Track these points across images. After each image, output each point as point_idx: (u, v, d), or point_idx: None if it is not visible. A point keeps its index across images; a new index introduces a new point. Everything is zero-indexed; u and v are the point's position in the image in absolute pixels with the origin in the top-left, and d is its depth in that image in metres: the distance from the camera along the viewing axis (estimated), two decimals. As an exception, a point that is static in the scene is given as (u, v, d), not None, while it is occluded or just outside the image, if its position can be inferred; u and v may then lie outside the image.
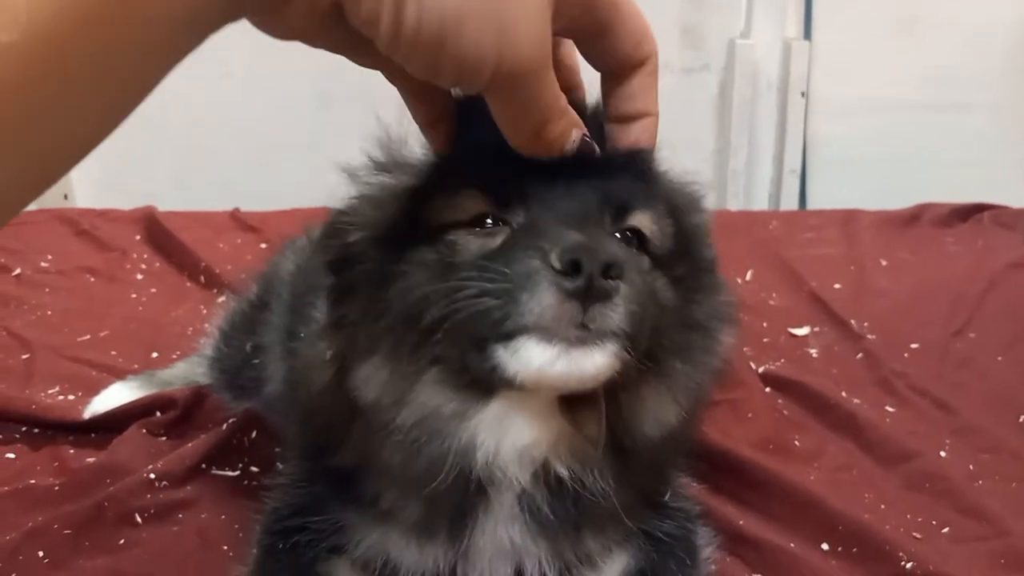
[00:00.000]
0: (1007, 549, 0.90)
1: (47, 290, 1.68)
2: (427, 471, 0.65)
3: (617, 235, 0.64)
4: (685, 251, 0.70)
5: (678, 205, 0.71)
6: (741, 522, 0.93)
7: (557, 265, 0.54)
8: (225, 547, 0.94)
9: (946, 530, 0.94)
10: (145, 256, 1.86)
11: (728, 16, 2.37)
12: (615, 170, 0.64)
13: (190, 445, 1.09)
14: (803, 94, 2.37)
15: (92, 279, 1.75)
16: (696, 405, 0.72)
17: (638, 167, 0.66)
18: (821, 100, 2.40)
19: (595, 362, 0.56)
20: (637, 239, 0.66)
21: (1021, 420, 1.16)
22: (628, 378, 0.60)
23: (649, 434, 0.66)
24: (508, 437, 0.63)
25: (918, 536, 0.92)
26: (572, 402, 0.63)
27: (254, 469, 1.08)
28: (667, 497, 0.83)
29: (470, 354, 0.59)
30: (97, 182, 2.57)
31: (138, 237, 1.94)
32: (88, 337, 1.48)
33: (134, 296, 1.67)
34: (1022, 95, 2.39)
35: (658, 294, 0.65)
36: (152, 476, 1.02)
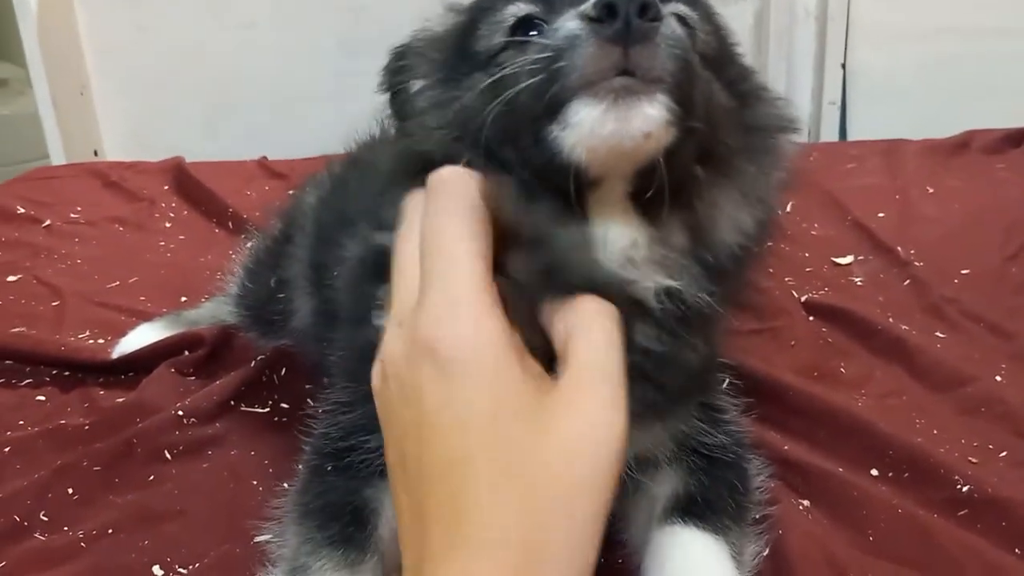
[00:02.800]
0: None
1: (76, 240, 1.68)
2: None
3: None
4: (731, 55, 0.70)
5: (711, 8, 0.70)
6: (786, 447, 0.89)
7: (593, 13, 0.53)
8: (255, 482, 0.93)
9: (1004, 454, 0.89)
10: (173, 205, 1.86)
11: (764, -58, 2.27)
12: None
13: (219, 382, 1.07)
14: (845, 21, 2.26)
15: (121, 228, 1.75)
16: (768, 222, 0.68)
17: None
18: (861, 28, 2.28)
19: (646, 114, 0.54)
20: (687, 32, 0.62)
21: (1084, 341, 1.10)
22: (690, 177, 0.60)
23: (729, 241, 0.63)
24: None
25: (974, 460, 0.88)
26: (648, 208, 0.60)
27: (284, 406, 1.06)
28: (719, 408, 0.80)
29: (530, 151, 0.57)
30: (127, 135, 2.57)
31: (166, 187, 1.94)
32: (117, 284, 1.47)
33: (162, 244, 1.67)
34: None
35: (714, 92, 0.62)
36: (181, 413, 1.01)
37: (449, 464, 0.51)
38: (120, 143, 2.58)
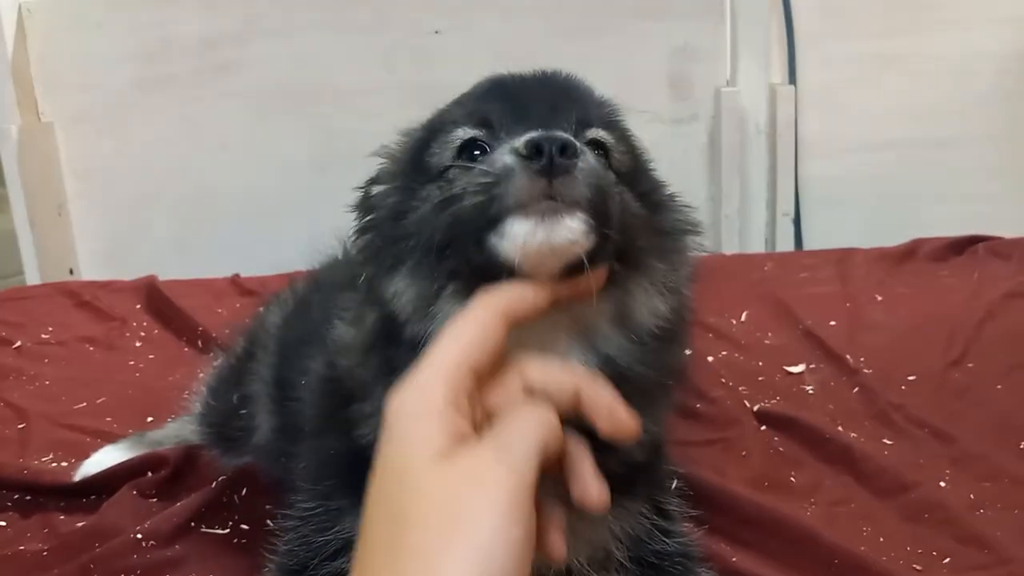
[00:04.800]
0: (1009, 576, 0.87)
1: (46, 361, 1.70)
2: None
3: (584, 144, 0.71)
4: (643, 170, 0.80)
5: (627, 131, 0.80)
6: (735, 559, 0.91)
7: (524, 152, 0.64)
8: (213, 606, 0.93)
9: (947, 560, 0.92)
10: (144, 324, 1.88)
11: (714, 65, 2.40)
12: (575, 99, 0.76)
13: (179, 504, 1.08)
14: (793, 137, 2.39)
15: (91, 348, 1.77)
16: (682, 311, 0.77)
17: (595, 100, 0.78)
18: (810, 142, 2.42)
19: (568, 227, 0.64)
20: (603, 154, 0.74)
21: (1022, 447, 1.14)
22: (611, 273, 0.69)
23: (647, 323, 0.73)
24: (518, 342, 0.67)
25: (918, 568, 0.90)
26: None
27: (244, 527, 1.07)
28: (668, 515, 0.83)
29: (474, 254, 0.67)
30: (102, 253, 2.61)
31: (138, 306, 1.97)
32: (84, 405, 1.49)
33: (132, 363, 1.69)
34: (1008, 126, 2.39)
35: (627, 203, 0.73)
36: (139, 536, 1.01)
37: (365, 518, 0.58)
38: (95, 261, 2.62)
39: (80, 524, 1.08)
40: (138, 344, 1.78)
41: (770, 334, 1.59)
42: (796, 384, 1.39)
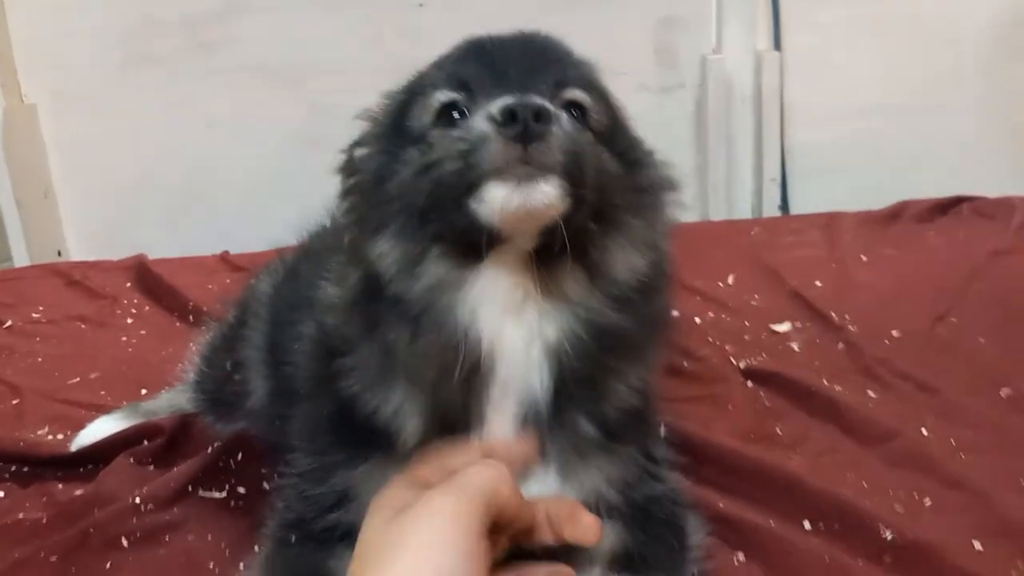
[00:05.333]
0: (988, 516, 0.90)
1: (37, 339, 1.71)
2: (427, 349, 0.74)
3: (562, 107, 0.73)
4: (622, 129, 0.81)
5: (606, 90, 0.81)
6: (721, 504, 0.93)
7: (499, 118, 0.66)
8: (212, 565, 0.94)
9: (928, 503, 0.94)
10: (135, 301, 1.89)
11: (699, 34, 2.41)
12: (552, 60, 0.78)
13: (176, 469, 1.10)
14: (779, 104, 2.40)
15: (83, 326, 1.78)
16: (661, 264, 0.79)
17: (572, 60, 0.80)
18: (796, 109, 2.43)
19: (543, 191, 0.67)
20: (580, 114, 0.76)
21: (1003, 394, 1.16)
22: (587, 230, 0.72)
23: (625, 278, 0.76)
24: (495, 300, 0.73)
25: (900, 510, 0.92)
26: (545, 262, 0.73)
27: (241, 490, 1.09)
28: (657, 460, 0.86)
29: (455, 216, 0.70)
30: (90, 235, 2.62)
31: (128, 284, 1.98)
32: (78, 380, 1.50)
33: (124, 339, 1.70)
34: (994, 92, 2.41)
35: (603, 163, 0.75)
36: (138, 501, 1.03)
37: None
38: (83, 243, 2.62)
39: (78, 492, 1.09)
40: (129, 320, 1.79)
41: (756, 296, 1.61)
42: (782, 342, 1.41)
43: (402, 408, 0.78)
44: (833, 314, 1.46)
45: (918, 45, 2.41)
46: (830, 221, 2.02)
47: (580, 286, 0.75)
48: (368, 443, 0.80)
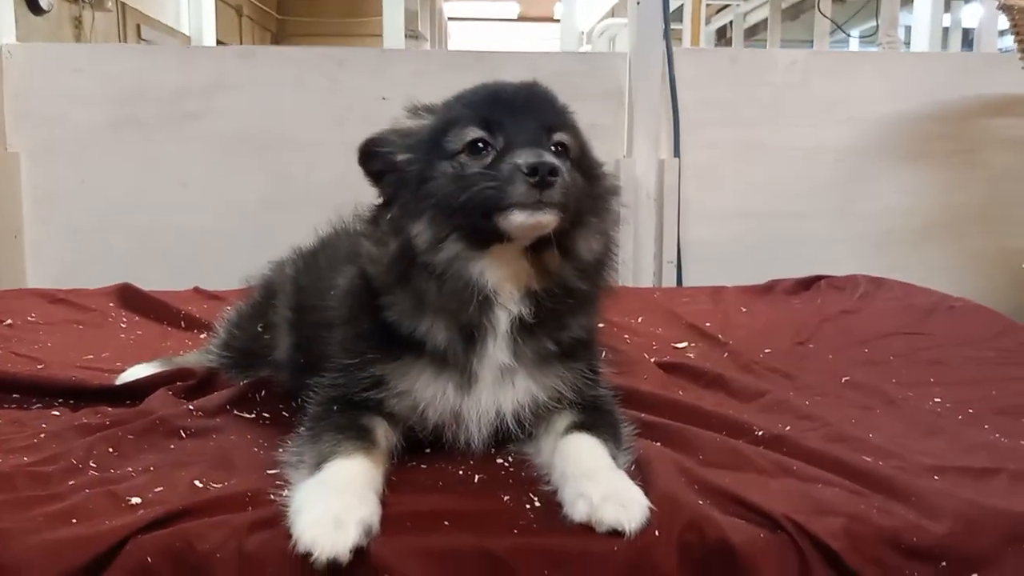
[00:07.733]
0: (828, 431, 1.28)
1: (40, 332, 1.91)
2: (452, 292, 1.08)
3: (552, 148, 1.10)
4: (587, 155, 1.20)
5: (577, 129, 1.18)
6: (643, 415, 1.28)
7: (525, 171, 1.03)
8: (255, 449, 1.21)
9: (788, 428, 1.31)
10: (123, 315, 2.11)
11: (615, 140, 2.91)
12: (545, 110, 1.14)
13: (216, 393, 1.37)
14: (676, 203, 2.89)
15: (80, 327, 1.99)
16: (609, 245, 1.18)
17: (558, 108, 1.17)
18: (691, 207, 2.93)
19: (547, 217, 1.05)
20: (563, 150, 1.12)
21: (843, 380, 1.57)
22: (565, 230, 1.08)
23: (587, 256, 1.14)
24: (498, 269, 1.08)
25: (767, 425, 1.29)
26: (535, 249, 1.09)
27: (266, 415, 1.36)
28: (597, 371, 1.22)
29: (480, 221, 1.06)
30: (54, 278, 2.74)
31: (112, 304, 2.19)
32: (91, 357, 1.72)
33: (122, 336, 1.92)
34: (842, 204, 3.02)
35: (576, 182, 1.11)
36: (191, 407, 1.30)
37: None
38: (47, 282, 2.79)
39: (128, 408, 1.34)
40: (123, 324, 2.02)
41: (660, 328, 2.01)
42: (682, 353, 1.79)
43: (431, 328, 1.12)
44: (720, 336, 1.87)
45: (786, 164, 2.99)
46: (716, 291, 2.47)
47: (556, 262, 1.11)
48: (399, 348, 1.14)
